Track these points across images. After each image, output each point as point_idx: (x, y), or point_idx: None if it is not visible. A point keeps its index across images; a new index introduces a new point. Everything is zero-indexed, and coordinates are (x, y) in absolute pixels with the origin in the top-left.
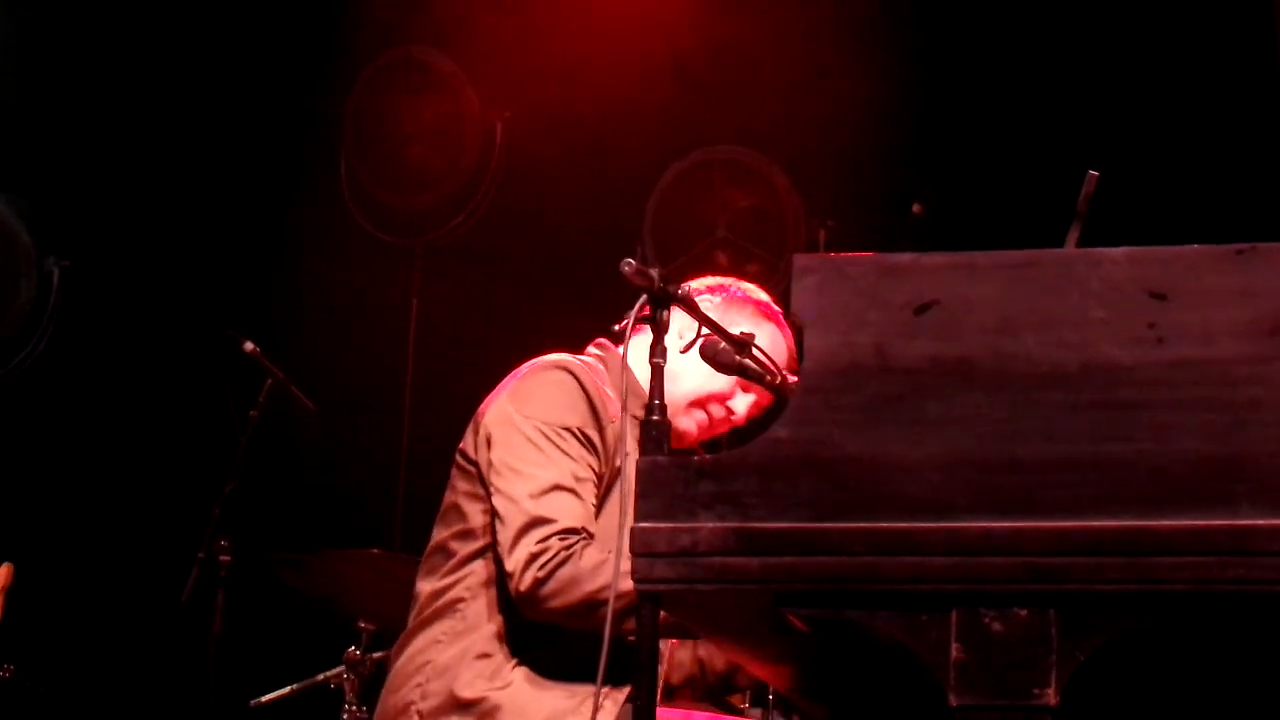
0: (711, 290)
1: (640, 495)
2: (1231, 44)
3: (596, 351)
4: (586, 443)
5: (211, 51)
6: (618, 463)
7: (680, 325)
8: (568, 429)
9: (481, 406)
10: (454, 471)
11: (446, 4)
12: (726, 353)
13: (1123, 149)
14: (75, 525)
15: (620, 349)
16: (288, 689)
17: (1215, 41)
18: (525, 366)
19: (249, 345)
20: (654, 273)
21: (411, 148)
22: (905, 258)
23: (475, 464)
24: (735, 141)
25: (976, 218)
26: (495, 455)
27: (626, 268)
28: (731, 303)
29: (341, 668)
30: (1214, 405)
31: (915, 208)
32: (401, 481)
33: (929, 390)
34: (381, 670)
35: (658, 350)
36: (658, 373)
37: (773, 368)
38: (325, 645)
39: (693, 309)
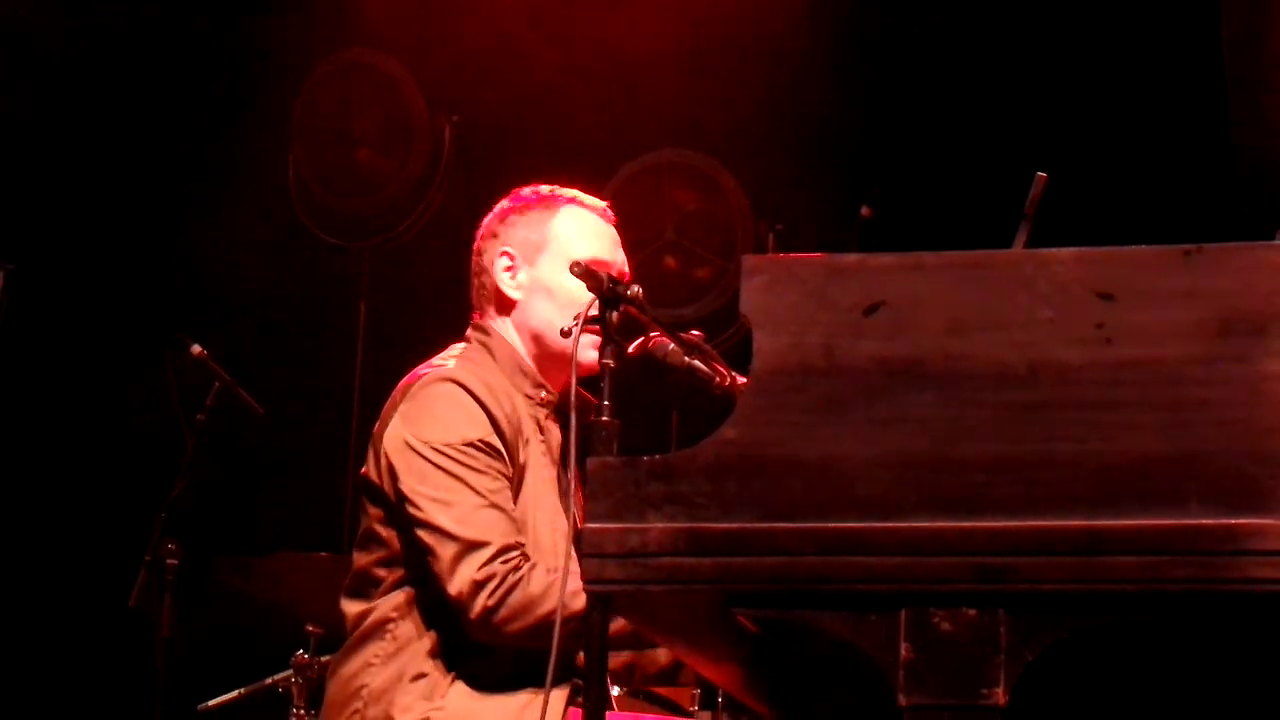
0: (500, 228)
1: (590, 496)
2: (1177, 46)
3: (477, 335)
4: (491, 451)
5: (155, 53)
6: (521, 459)
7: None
8: (470, 444)
9: (376, 427)
10: (362, 497)
11: (394, 7)
12: (675, 354)
13: (1071, 150)
14: (20, 529)
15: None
16: (236, 693)
17: (1161, 43)
18: (415, 381)
19: (196, 348)
20: (602, 274)
21: (359, 151)
22: (854, 258)
23: (382, 491)
24: (683, 144)
25: (925, 219)
26: (405, 486)
27: (575, 269)
28: (533, 213)
29: (290, 671)
30: (1162, 405)
31: (864, 210)
32: (349, 485)
33: (878, 391)
34: None
35: (606, 351)
36: (607, 374)
37: (721, 369)
38: (273, 649)
39: (643, 309)
